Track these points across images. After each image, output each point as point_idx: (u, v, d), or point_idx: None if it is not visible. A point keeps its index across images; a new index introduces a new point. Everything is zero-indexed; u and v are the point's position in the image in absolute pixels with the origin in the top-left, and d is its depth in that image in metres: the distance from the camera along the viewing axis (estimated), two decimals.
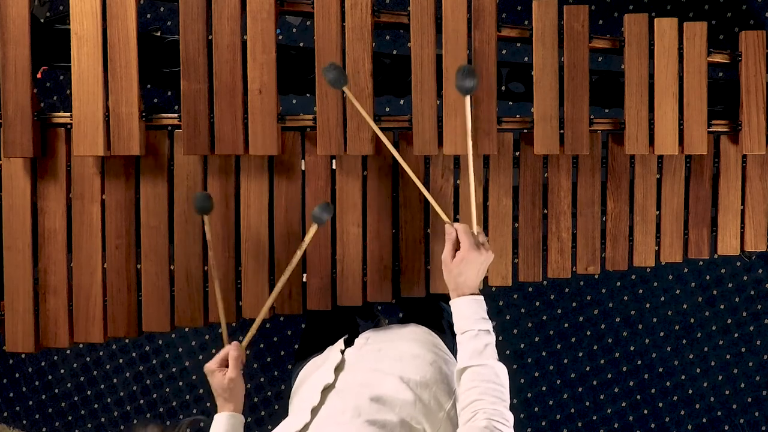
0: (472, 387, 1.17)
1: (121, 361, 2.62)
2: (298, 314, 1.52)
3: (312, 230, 1.38)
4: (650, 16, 1.48)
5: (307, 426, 1.10)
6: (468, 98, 1.34)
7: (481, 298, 1.28)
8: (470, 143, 1.36)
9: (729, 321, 2.49)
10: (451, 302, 1.29)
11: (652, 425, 2.55)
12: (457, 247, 1.29)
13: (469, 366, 1.20)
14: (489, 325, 1.26)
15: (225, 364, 1.33)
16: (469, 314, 1.25)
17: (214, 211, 1.47)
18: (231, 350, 1.33)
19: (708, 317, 2.50)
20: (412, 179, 1.40)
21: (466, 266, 1.27)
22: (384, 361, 1.28)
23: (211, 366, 1.33)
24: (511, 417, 1.14)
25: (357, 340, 1.38)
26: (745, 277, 2.48)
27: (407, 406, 1.15)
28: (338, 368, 1.26)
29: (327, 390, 1.20)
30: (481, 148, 1.46)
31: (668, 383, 2.53)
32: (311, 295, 1.51)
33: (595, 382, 2.54)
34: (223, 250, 1.49)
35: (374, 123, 1.39)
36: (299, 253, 1.39)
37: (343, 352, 1.34)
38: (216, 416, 1.31)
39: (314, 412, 1.14)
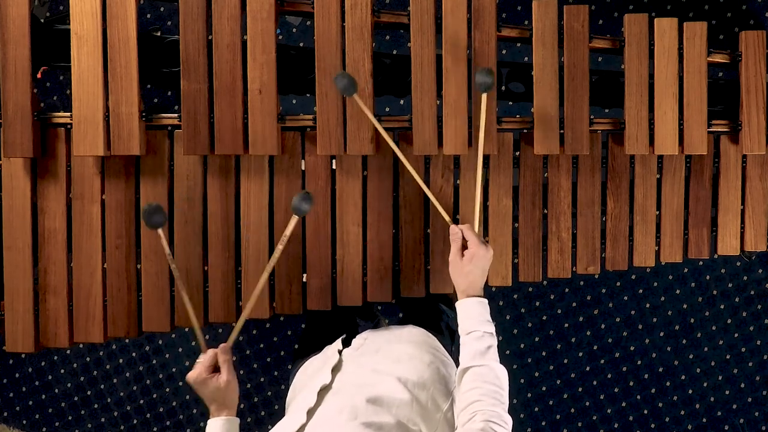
0: (472, 388, 1.17)
1: (121, 361, 2.62)
2: (298, 314, 1.52)
3: (292, 222, 1.32)
4: (650, 16, 1.48)
5: (303, 427, 1.10)
6: (485, 96, 1.36)
7: (486, 300, 1.30)
8: (482, 140, 1.36)
9: (729, 321, 2.49)
10: (458, 303, 1.30)
11: (652, 425, 2.55)
12: (463, 247, 1.30)
13: (471, 366, 1.21)
14: (492, 327, 1.27)
15: (213, 369, 1.29)
16: (476, 315, 1.27)
17: (214, 211, 1.48)
18: (220, 354, 1.28)
19: (708, 317, 2.50)
20: (413, 179, 1.40)
21: (476, 263, 1.29)
22: (381, 362, 1.28)
23: (200, 375, 1.27)
24: (509, 419, 1.14)
25: (355, 341, 1.38)
26: (745, 277, 2.48)
27: (404, 407, 1.15)
28: (335, 369, 1.26)
29: (324, 391, 1.20)
30: (476, 149, 1.46)
31: (668, 383, 2.53)
32: (311, 295, 1.51)
33: (595, 382, 2.54)
34: (223, 250, 1.49)
35: (381, 127, 1.39)
36: (280, 247, 1.33)
37: (340, 352, 1.33)
38: (210, 421, 1.28)
39: (311, 413, 1.14)
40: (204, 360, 1.29)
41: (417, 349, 1.33)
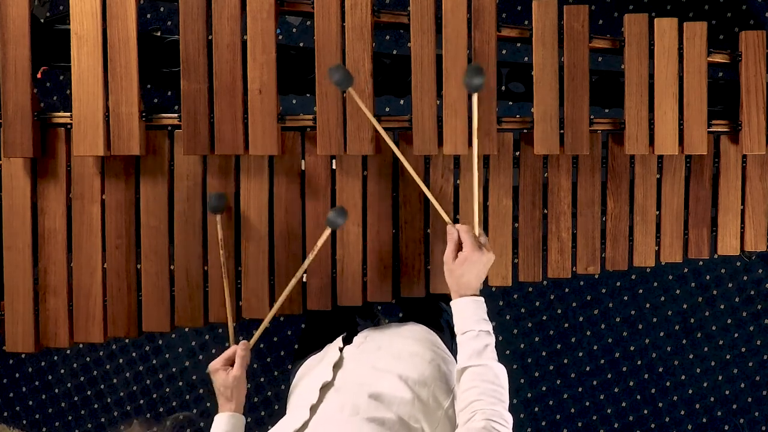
0: (471, 387, 1.17)
1: (121, 361, 2.62)
2: (298, 314, 1.52)
3: (326, 234, 1.38)
4: (650, 16, 1.48)
5: (306, 424, 1.10)
6: (475, 96, 1.34)
7: (482, 299, 1.28)
8: (476, 142, 1.36)
9: (729, 321, 2.49)
10: (452, 302, 1.29)
11: (652, 425, 2.55)
12: (459, 247, 1.30)
13: (468, 366, 1.21)
14: (489, 326, 1.26)
15: (230, 363, 1.34)
16: (470, 314, 1.26)
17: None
18: (239, 349, 1.34)
19: (708, 317, 2.50)
20: (413, 179, 1.40)
21: (468, 267, 1.27)
22: (382, 359, 1.28)
23: (215, 365, 1.33)
24: (510, 418, 1.14)
25: (356, 338, 1.39)
26: (745, 277, 2.48)
27: (405, 405, 1.15)
28: (337, 366, 1.27)
29: (325, 388, 1.20)
30: (481, 148, 1.46)
31: (668, 383, 2.53)
32: (311, 295, 1.51)
33: (595, 382, 2.54)
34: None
35: (378, 124, 1.39)
36: (311, 257, 1.39)
37: (341, 349, 1.34)
38: (217, 416, 1.31)
39: (313, 409, 1.14)
40: (225, 352, 1.35)
41: (418, 347, 1.33)
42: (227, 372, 1.32)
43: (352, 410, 1.10)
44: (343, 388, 1.19)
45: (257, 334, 1.42)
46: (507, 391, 1.19)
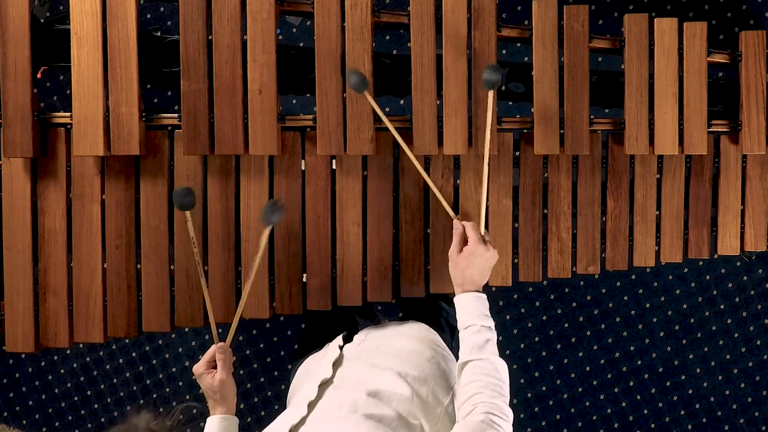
0: (472, 381, 1.18)
1: (121, 361, 2.62)
2: (298, 314, 1.52)
3: (264, 235, 1.32)
4: (650, 16, 1.48)
5: (303, 420, 1.11)
6: (491, 93, 1.35)
7: (484, 296, 1.30)
8: (488, 138, 1.36)
9: (729, 321, 2.49)
10: (455, 298, 1.30)
11: (652, 425, 2.55)
12: (464, 242, 1.31)
13: (470, 360, 1.21)
14: (491, 321, 1.27)
15: (212, 365, 1.32)
16: (472, 310, 1.27)
17: (214, 211, 1.48)
18: (217, 352, 1.31)
19: (708, 317, 2.50)
20: (413, 179, 1.40)
21: (473, 260, 1.29)
22: (382, 356, 1.28)
23: (199, 369, 1.31)
24: (510, 412, 1.14)
25: (356, 336, 1.39)
26: (745, 277, 2.48)
27: (404, 402, 1.15)
28: (336, 363, 1.27)
29: (325, 385, 1.21)
30: (482, 148, 1.46)
31: (668, 383, 2.53)
32: (311, 295, 1.51)
33: (595, 382, 2.54)
34: (223, 250, 1.49)
35: (389, 121, 1.39)
36: (258, 259, 1.34)
37: (341, 347, 1.34)
38: (208, 419, 1.30)
39: (311, 405, 1.15)
40: (206, 354, 1.32)
41: (418, 344, 1.34)
42: (212, 375, 1.30)
43: (350, 407, 1.11)
44: (342, 386, 1.20)
45: (231, 330, 1.38)
46: (507, 386, 1.20)
